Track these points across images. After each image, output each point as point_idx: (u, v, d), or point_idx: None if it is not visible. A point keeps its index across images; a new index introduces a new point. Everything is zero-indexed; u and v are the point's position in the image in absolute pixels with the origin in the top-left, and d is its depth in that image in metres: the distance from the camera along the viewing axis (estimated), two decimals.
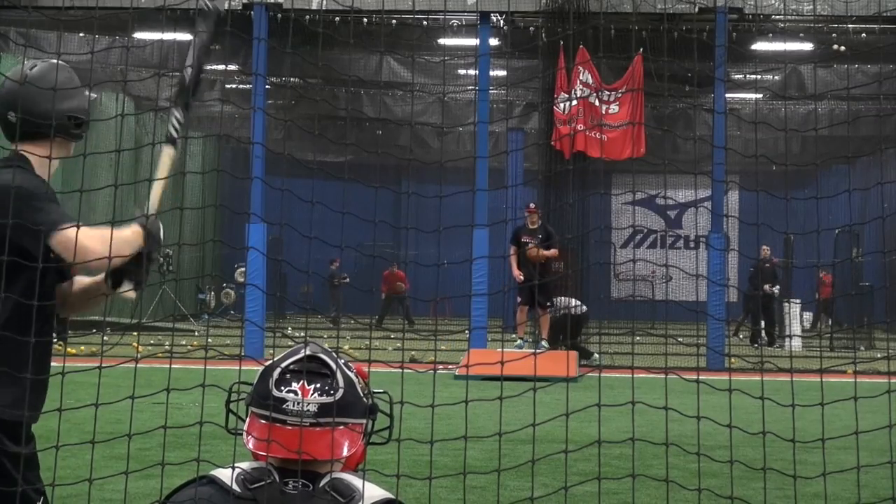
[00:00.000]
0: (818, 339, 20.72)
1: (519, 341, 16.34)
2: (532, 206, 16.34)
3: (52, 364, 3.45)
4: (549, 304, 16.17)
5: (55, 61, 3.46)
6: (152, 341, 18.44)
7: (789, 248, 22.64)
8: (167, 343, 17.08)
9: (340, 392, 2.24)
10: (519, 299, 16.74)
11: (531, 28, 19.48)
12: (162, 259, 3.44)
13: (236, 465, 2.22)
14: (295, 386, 2.23)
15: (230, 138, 26.33)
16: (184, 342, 17.50)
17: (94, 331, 17.83)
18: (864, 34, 20.03)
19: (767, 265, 22.04)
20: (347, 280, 26.12)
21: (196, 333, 20.79)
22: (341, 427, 2.23)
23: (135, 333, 18.27)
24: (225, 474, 2.20)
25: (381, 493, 2.19)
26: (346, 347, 16.05)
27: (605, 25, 17.50)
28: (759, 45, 21.97)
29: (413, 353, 16.29)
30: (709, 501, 6.23)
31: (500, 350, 15.22)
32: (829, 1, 18.08)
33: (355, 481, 2.20)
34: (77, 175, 3.45)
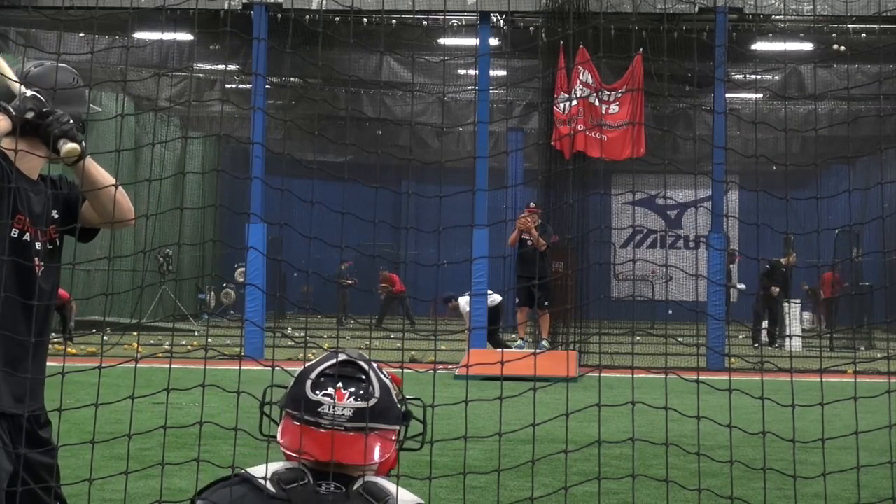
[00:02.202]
0: (818, 339, 20.71)
1: (519, 341, 16.34)
2: (532, 205, 16.34)
3: (52, 364, 3.44)
4: (547, 303, 16.17)
5: (63, 65, 3.46)
6: (152, 341, 18.44)
7: (789, 248, 22.64)
8: (167, 343, 17.08)
9: (375, 398, 2.25)
10: (518, 300, 16.74)
11: (531, 28, 19.48)
12: (69, 119, 3.34)
13: (270, 464, 2.22)
14: (330, 390, 2.24)
15: (230, 138, 26.34)
16: (184, 342, 17.49)
17: (94, 331, 17.84)
18: (864, 34, 20.02)
19: (784, 269, 22.03)
20: (352, 282, 26.15)
21: (196, 333, 20.79)
22: (375, 432, 2.24)
23: (135, 333, 18.27)
24: (259, 473, 2.21)
25: (413, 498, 2.20)
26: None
27: (605, 25, 17.49)
28: (759, 45, 21.96)
29: (413, 353, 16.28)
30: (709, 501, 6.23)
31: (499, 350, 15.23)
32: (829, 1, 18.07)
33: (388, 485, 2.21)
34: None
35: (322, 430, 2.21)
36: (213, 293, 27.09)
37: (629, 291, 26.69)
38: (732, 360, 11.57)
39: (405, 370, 2.87)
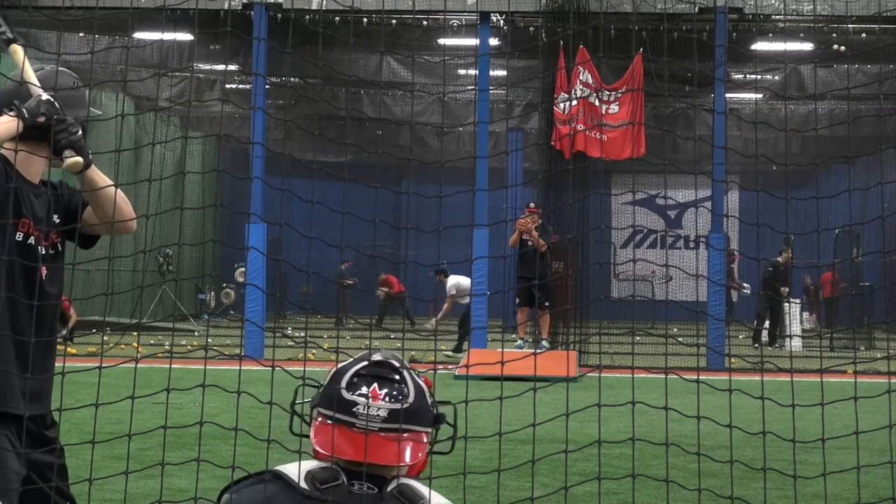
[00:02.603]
0: (818, 339, 20.70)
1: (519, 341, 16.34)
2: (532, 205, 16.31)
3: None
4: (548, 303, 16.18)
5: (63, 69, 3.46)
6: (152, 341, 18.43)
7: (785, 246, 22.67)
8: (167, 343, 17.08)
9: (410, 399, 2.24)
10: (518, 300, 16.74)
11: (531, 28, 19.47)
12: (79, 130, 3.34)
13: (302, 463, 2.21)
14: (365, 390, 2.22)
15: (230, 138, 26.33)
16: (184, 342, 17.49)
17: (94, 331, 17.84)
18: (864, 34, 20.01)
19: (783, 268, 22.04)
20: (352, 283, 26.14)
21: (196, 333, 20.79)
22: (408, 434, 2.22)
23: (135, 333, 18.27)
24: (292, 472, 2.19)
25: (446, 502, 2.19)
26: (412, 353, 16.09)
27: (605, 25, 17.49)
28: (759, 45, 21.95)
29: (413, 353, 16.29)
30: (709, 501, 6.23)
31: (500, 350, 15.23)
32: (829, 1, 18.07)
33: (422, 488, 2.20)
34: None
35: (356, 430, 2.19)
36: (213, 293, 27.08)
37: (629, 291, 26.67)
38: (732, 360, 11.56)
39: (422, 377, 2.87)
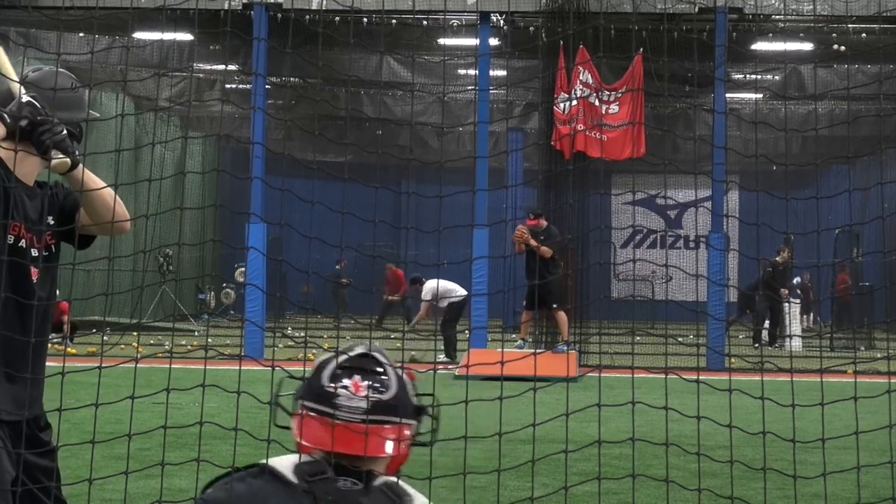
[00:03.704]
0: (818, 339, 20.70)
1: (519, 342, 16.33)
2: (531, 216, 16.01)
3: (52, 364, 3.44)
4: (555, 305, 16.12)
5: (62, 70, 3.45)
6: (152, 341, 18.43)
7: (783, 245, 22.68)
8: (167, 343, 17.08)
9: (392, 391, 2.23)
10: (525, 302, 16.72)
11: (531, 28, 19.48)
12: (63, 129, 3.37)
13: (286, 457, 2.20)
14: (347, 381, 2.22)
15: (230, 138, 26.33)
16: (184, 342, 17.50)
17: (94, 331, 17.85)
18: (864, 34, 20.02)
19: (782, 268, 22.05)
20: (346, 282, 26.09)
21: (196, 333, 20.79)
22: (389, 426, 2.22)
23: (135, 333, 18.28)
24: (282, 465, 2.18)
25: (427, 502, 2.20)
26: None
27: (605, 25, 17.50)
28: (759, 45, 21.96)
29: (413, 353, 16.28)
30: (709, 501, 6.23)
31: (500, 350, 15.23)
32: (829, 1, 18.08)
33: (408, 487, 2.20)
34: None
35: (337, 422, 2.19)
36: (213, 293, 27.08)
37: (629, 291, 26.66)
38: (732, 360, 11.57)
39: (405, 370, 2.86)
